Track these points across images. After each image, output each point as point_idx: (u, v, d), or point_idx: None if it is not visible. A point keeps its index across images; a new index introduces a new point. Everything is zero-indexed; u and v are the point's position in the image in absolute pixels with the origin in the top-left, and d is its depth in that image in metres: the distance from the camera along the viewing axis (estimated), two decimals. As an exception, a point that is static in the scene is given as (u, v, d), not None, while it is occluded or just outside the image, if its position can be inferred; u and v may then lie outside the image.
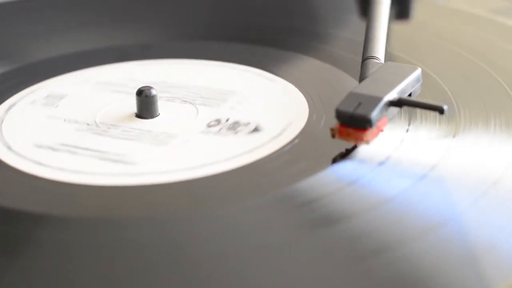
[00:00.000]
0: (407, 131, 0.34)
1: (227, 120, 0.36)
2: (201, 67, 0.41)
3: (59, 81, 0.40)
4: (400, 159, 0.32)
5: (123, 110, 0.37)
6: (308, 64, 0.41)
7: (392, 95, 0.32)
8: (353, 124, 0.31)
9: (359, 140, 0.31)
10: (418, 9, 0.47)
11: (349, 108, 0.31)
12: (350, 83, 0.37)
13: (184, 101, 0.38)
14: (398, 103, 0.32)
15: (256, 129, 0.35)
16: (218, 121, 0.36)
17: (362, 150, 0.32)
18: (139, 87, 0.36)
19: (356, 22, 0.46)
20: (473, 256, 0.27)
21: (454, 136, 0.33)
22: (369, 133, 0.31)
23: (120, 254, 0.28)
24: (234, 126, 0.35)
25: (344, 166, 0.32)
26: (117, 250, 0.28)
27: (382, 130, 0.32)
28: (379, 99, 0.32)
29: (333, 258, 0.27)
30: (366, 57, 0.36)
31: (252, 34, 0.44)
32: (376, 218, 0.29)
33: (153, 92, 0.36)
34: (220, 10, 0.48)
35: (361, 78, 0.34)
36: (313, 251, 0.28)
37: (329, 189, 0.30)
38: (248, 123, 0.35)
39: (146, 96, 0.36)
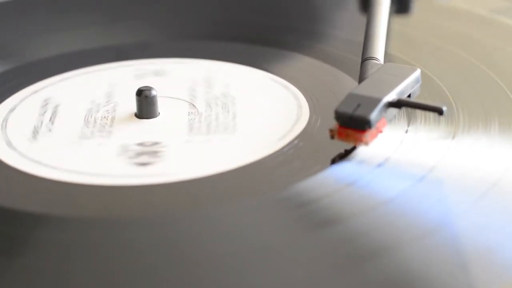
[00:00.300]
0: (406, 132, 0.34)
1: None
2: (201, 66, 0.41)
3: (58, 81, 0.40)
4: (399, 160, 0.32)
5: (123, 110, 0.37)
6: (309, 64, 0.41)
7: (391, 96, 0.32)
8: (352, 125, 0.31)
9: (358, 141, 0.31)
10: (418, 9, 0.47)
11: (348, 109, 0.31)
12: (350, 84, 0.37)
13: (184, 101, 0.38)
14: (397, 104, 0.32)
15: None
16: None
17: (362, 151, 0.32)
18: (138, 87, 0.36)
19: (356, 22, 0.45)
20: (471, 258, 0.27)
21: (453, 137, 0.33)
22: (368, 134, 0.31)
23: (120, 254, 0.28)
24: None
25: (343, 167, 0.32)
26: (117, 250, 0.28)
27: (381, 131, 0.32)
28: (378, 100, 0.32)
29: (332, 259, 0.27)
30: (365, 58, 0.36)
31: (252, 34, 0.44)
32: (375, 219, 0.29)
33: (153, 92, 0.36)
34: (220, 10, 0.48)
35: (361, 79, 0.35)
36: (312, 252, 0.28)
37: (329, 190, 0.30)
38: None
39: (146, 96, 0.36)
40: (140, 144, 0.34)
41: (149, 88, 0.36)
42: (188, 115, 0.36)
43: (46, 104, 0.38)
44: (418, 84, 0.34)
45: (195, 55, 0.42)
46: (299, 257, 0.27)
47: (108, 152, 0.34)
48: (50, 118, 0.37)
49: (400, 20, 0.45)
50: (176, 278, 0.27)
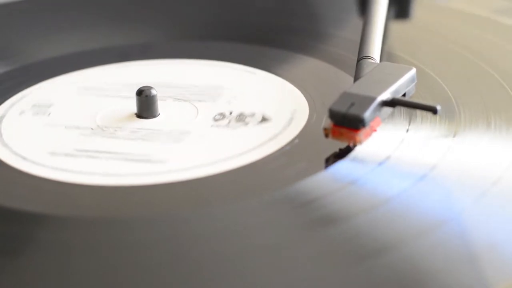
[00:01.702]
0: (407, 131, 0.34)
1: (226, 119, 0.36)
2: (201, 67, 0.41)
3: (57, 82, 0.40)
4: (400, 159, 0.32)
5: (122, 110, 0.37)
6: (309, 64, 0.41)
7: (386, 95, 0.32)
8: (346, 124, 0.31)
9: (351, 140, 0.31)
10: (418, 9, 0.47)
11: (342, 108, 0.31)
12: (350, 83, 0.37)
13: (184, 100, 0.38)
14: (391, 103, 0.32)
15: (254, 128, 0.35)
16: (217, 120, 0.36)
17: (363, 149, 0.32)
18: (138, 87, 0.36)
19: (356, 22, 0.45)
20: (473, 256, 0.27)
21: (454, 136, 0.33)
22: (361, 133, 0.31)
23: (120, 254, 0.28)
24: (233, 125, 0.35)
25: (344, 166, 0.32)
26: (117, 250, 0.28)
27: (375, 130, 0.32)
28: (372, 99, 0.32)
29: (333, 257, 0.27)
30: (361, 57, 0.36)
31: (252, 34, 0.44)
32: (376, 218, 0.29)
33: (153, 92, 0.36)
34: (220, 10, 0.48)
35: (356, 78, 0.35)
36: (313, 251, 0.28)
37: (330, 189, 0.30)
38: (248, 122, 0.35)
39: (146, 96, 0.36)
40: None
41: (149, 88, 0.36)
42: (188, 114, 0.36)
43: (45, 105, 0.38)
44: (414, 84, 0.34)
45: (195, 55, 0.42)
46: (301, 256, 0.27)
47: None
48: (51, 120, 0.37)
49: (400, 21, 0.45)
50: (176, 278, 0.27)
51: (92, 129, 0.36)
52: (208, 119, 0.36)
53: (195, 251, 0.28)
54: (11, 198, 0.31)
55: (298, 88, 0.38)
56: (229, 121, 0.36)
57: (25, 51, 0.43)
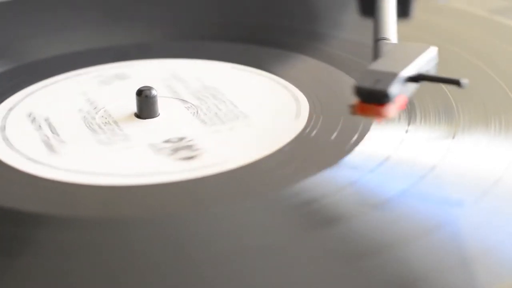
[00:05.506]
0: (406, 131, 0.34)
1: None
2: (200, 67, 0.41)
3: (57, 82, 0.40)
4: (399, 159, 0.32)
5: (122, 110, 0.37)
6: (308, 64, 0.41)
7: (410, 71, 0.32)
8: (372, 100, 0.31)
9: (379, 115, 0.31)
10: (418, 9, 0.47)
11: (368, 84, 0.31)
12: (350, 83, 0.37)
13: (183, 100, 0.38)
14: (416, 78, 0.32)
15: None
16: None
17: (363, 150, 0.32)
18: (138, 87, 0.36)
19: (356, 22, 0.46)
20: (471, 258, 0.27)
21: (453, 137, 0.33)
22: (389, 108, 0.31)
23: (120, 254, 0.28)
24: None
25: (343, 167, 0.32)
26: (116, 250, 0.28)
27: (404, 107, 0.32)
28: (396, 74, 0.32)
29: (332, 258, 0.27)
30: (378, 39, 0.36)
31: (252, 34, 0.44)
32: (376, 218, 0.29)
33: (153, 92, 0.36)
34: (220, 10, 0.48)
35: (375, 58, 0.34)
36: (312, 252, 0.28)
37: (329, 189, 0.30)
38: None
39: (146, 96, 0.36)
40: (167, 141, 0.34)
41: (149, 88, 0.36)
42: (189, 114, 0.36)
43: (46, 103, 0.38)
44: (435, 63, 0.34)
45: (195, 55, 0.42)
46: (299, 257, 0.27)
47: (140, 153, 0.34)
48: (50, 119, 0.37)
49: (400, 21, 0.45)
50: (176, 278, 0.27)
51: (92, 128, 0.36)
52: (208, 119, 0.36)
53: (194, 251, 0.28)
54: (11, 198, 0.31)
55: (298, 88, 0.38)
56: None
57: (25, 51, 0.43)
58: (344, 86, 0.37)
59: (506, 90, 0.36)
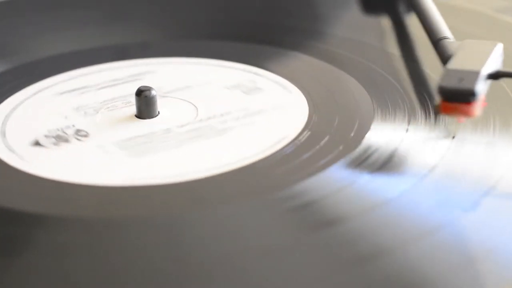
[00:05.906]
0: (406, 131, 0.34)
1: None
2: (200, 66, 0.41)
3: (57, 81, 0.40)
4: (399, 159, 0.32)
5: (121, 111, 0.37)
6: (308, 64, 0.40)
7: (489, 68, 0.32)
8: (456, 99, 0.31)
9: (466, 114, 0.31)
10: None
11: (452, 83, 0.31)
12: (350, 83, 0.37)
13: (183, 100, 0.38)
14: (496, 75, 0.33)
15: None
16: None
17: (363, 150, 0.32)
18: (138, 86, 0.36)
19: (356, 21, 0.45)
20: (472, 258, 0.27)
21: (453, 137, 0.33)
22: (475, 106, 0.31)
23: (120, 254, 0.28)
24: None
25: (343, 167, 0.32)
26: (117, 250, 0.28)
27: (485, 104, 0.32)
28: (478, 72, 0.32)
29: (333, 258, 0.27)
30: (438, 39, 0.36)
31: (251, 33, 0.44)
32: (376, 219, 0.29)
33: (153, 92, 0.36)
34: (220, 9, 0.48)
35: (443, 58, 0.35)
36: (312, 252, 0.28)
37: (329, 190, 0.30)
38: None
39: (146, 96, 0.36)
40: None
41: (149, 88, 0.36)
42: (188, 113, 0.36)
43: (44, 105, 0.38)
44: (501, 59, 0.34)
45: (195, 54, 0.42)
46: (299, 257, 0.27)
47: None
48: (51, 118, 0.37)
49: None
50: (176, 278, 0.27)
51: (92, 128, 0.36)
52: (207, 119, 0.36)
53: (194, 251, 0.28)
54: (11, 198, 0.31)
55: (298, 88, 0.38)
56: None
57: (25, 51, 0.43)
58: (344, 85, 0.37)
59: (506, 90, 0.36)
